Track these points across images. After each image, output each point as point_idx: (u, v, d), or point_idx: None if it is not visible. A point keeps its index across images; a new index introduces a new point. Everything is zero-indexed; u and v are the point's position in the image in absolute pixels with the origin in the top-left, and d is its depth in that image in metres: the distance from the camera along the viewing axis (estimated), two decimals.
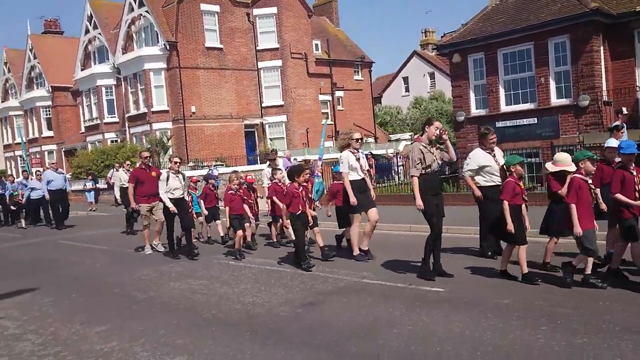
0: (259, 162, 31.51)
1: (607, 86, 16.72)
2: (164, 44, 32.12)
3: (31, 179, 19.62)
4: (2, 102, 49.10)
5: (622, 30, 16.51)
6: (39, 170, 19.22)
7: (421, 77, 49.75)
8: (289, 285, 7.70)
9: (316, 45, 38.50)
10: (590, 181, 6.55)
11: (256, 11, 35.29)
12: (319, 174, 9.99)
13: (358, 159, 8.99)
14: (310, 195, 9.73)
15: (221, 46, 33.80)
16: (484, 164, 8.33)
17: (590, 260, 6.56)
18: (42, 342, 5.90)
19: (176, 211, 10.27)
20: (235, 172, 11.50)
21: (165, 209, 10.39)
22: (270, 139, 35.10)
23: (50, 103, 44.02)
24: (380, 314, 6.02)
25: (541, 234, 7.65)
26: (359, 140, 9.17)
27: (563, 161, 7.07)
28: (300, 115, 36.31)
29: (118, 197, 14.99)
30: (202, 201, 12.34)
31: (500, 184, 8.17)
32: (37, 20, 60.44)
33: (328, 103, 38.72)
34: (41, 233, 17.10)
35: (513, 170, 7.10)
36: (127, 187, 14.03)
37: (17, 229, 18.72)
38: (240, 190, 10.64)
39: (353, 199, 8.76)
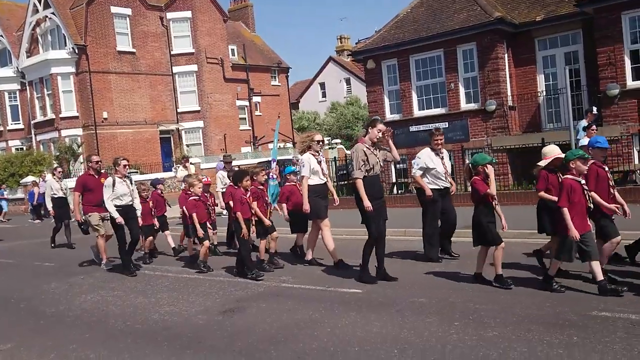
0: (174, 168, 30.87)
1: (511, 91, 17.60)
2: (72, 48, 30.91)
3: None
4: None
5: (525, 38, 17.45)
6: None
7: (337, 83, 50.53)
8: (207, 292, 7.57)
9: (232, 50, 38.28)
10: (583, 182, 6.16)
11: (170, 15, 34.65)
12: (274, 176, 9.55)
13: (319, 162, 8.57)
14: (266, 199, 9.27)
15: (134, 50, 32.93)
16: (430, 166, 8.34)
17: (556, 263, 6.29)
18: None
19: (122, 222, 9.23)
20: (195, 175, 10.68)
21: (113, 219, 9.31)
22: (187, 145, 34.51)
23: None
24: (300, 317, 6.04)
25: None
26: (320, 143, 8.72)
27: (552, 151, 6.81)
28: (218, 120, 35.94)
29: (50, 207, 13.53)
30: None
31: (444, 187, 8.36)
32: None
33: (246, 108, 38.55)
34: None
35: (481, 170, 6.74)
36: (59, 197, 13.34)
37: None
38: (201, 196, 9.85)
39: (306, 206, 8.35)
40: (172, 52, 34.64)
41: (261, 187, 9.13)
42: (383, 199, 7.50)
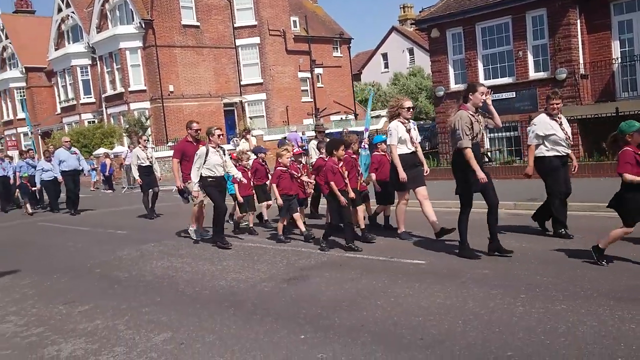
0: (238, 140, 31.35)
1: (583, 59, 16.84)
2: (140, 22, 31.65)
3: (37, 158, 18.20)
4: None
5: (599, 3, 16.59)
6: (47, 150, 17.51)
7: (400, 53, 49.72)
8: (272, 261, 7.72)
9: (294, 21, 38.20)
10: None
11: None
12: (366, 146, 9.40)
13: (409, 130, 8.04)
14: (359, 168, 8.97)
15: (198, 24, 33.39)
16: (548, 132, 7.62)
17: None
18: (25, 322, 5.87)
19: (197, 196, 9.07)
20: (283, 143, 10.21)
21: (207, 188, 8.98)
22: (250, 117, 34.93)
23: (24, 84, 43.25)
24: (363, 286, 6.08)
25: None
26: (410, 110, 8.15)
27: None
28: (280, 92, 36.14)
29: (137, 177, 13.51)
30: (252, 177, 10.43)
31: (565, 154, 7.65)
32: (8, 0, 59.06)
33: (307, 80, 38.55)
34: (18, 216, 16.89)
35: (629, 139, 6.01)
36: (146, 166, 13.32)
37: (23, 214, 16.79)
38: (290, 167, 9.30)
39: (402, 175, 7.90)
40: (235, 25, 34.94)
41: (354, 156, 8.92)
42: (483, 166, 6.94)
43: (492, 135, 18.32)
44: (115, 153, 27.61)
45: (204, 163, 8.88)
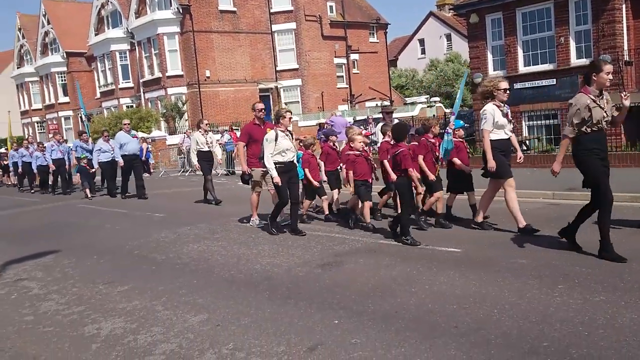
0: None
1: (628, 45, 16.34)
2: (177, 8, 31.90)
3: (91, 142, 17.64)
4: (18, 68, 49.28)
5: None
6: (106, 131, 16.94)
7: (437, 39, 49.02)
8: (307, 246, 7.77)
9: (330, 7, 37.97)
10: None
11: None
12: (450, 131, 8.93)
13: (505, 114, 7.45)
14: (437, 153, 8.61)
15: (234, 9, 33.49)
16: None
17: None
18: (66, 301, 6.04)
19: (279, 183, 8.34)
20: (351, 127, 9.72)
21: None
22: (285, 103, 34.99)
23: (65, 69, 44.10)
24: (397, 273, 6.07)
25: None
26: (507, 91, 7.53)
27: None
28: (315, 78, 36.08)
29: (195, 162, 13.04)
30: (322, 163, 9.90)
31: None
32: None
33: (343, 66, 38.35)
34: (62, 197, 17.33)
35: None
36: (205, 151, 12.82)
37: (83, 199, 15.97)
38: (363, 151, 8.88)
39: (491, 163, 7.26)
40: (271, 10, 34.93)
41: (432, 140, 8.58)
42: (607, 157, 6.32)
43: (530, 123, 17.99)
44: (153, 137, 28.00)
45: (273, 147, 8.33)
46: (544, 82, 17.40)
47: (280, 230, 8.73)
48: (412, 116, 28.74)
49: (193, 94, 32.48)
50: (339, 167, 9.84)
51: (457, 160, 8.54)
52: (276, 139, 8.31)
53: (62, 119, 44.50)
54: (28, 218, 13.35)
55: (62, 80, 44.65)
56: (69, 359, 4.50)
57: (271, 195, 9.43)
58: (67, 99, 44.40)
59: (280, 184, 8.33)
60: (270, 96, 35.45)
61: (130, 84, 37.13)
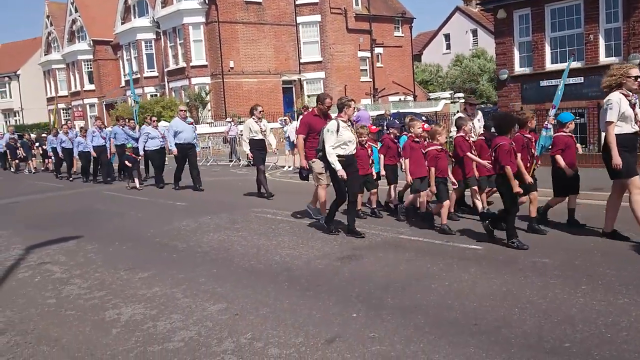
0: (296, 118, 31.54)
1: None
2: None
3: (135, 129, 16.65)
4: (45, 55, 49.95)
5: None
6: (154, 116, 16.30)
7: (463, 34, 48.56)
8: (326, 239, 7.75)
9: (356, 0, 37.79)
10: None
11: None
12: (550, 126, 8.25)
13: (633, 105, 6.55)
14: (532, 150, 7.88)
15: (260, 0, 33.48)
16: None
17: None
18: (88, 286, 6.11)
19: (345, 177, 7.58)
20: (412, 118, 8.98)
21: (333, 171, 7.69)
22: (308, 96, 34.99)
23: (91, 57, 44.63)
24: (417, 269, 6.03)
25: None
26: (638, 79, 6.63)
27: None
28: (339, 71, 36.00)
29: (248, 151, 12.05)
30: (382, 156, 9.36)
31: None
32: None
33: (367, 60, 38.22)
34: (83, 184, 17.53)
35: None
36: (259, 139, 11.89)
37: (128, 189, 14.85)
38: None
39: (617, 160, 6.44)
40: (296, 2, 34.89)
41: (528, 135, 7.82)
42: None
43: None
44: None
45: (335, 139, 7.65)
46: (571, 80, 17.11)
47: (337, 230, 7.99)
48: (436, 112, 28.54)
49: (216, 85, 32.62)
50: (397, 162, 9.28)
51: (560, 160, 7.56)
52: (338, 130, 7.64)
53: (87, 106, 45.05)
54: (53, 204, 13.53)
55: (88, 68, 45.16)
56: (90, 342, 4.55)
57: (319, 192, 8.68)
58: (92, 87, 44.92)
59: (345, 177, 7.57)
60: (293, 88, 35.46)
61: (155, 73, 37.41)
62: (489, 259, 6.30)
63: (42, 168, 25.04)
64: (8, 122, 56.64)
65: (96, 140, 16.89)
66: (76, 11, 44.48)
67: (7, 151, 25.95)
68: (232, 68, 32.52)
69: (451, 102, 34.45)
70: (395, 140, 9.37)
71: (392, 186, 9.49)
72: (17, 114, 57.43)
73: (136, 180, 14.94)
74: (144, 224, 9.77)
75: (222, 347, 4.28)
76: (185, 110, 14.60)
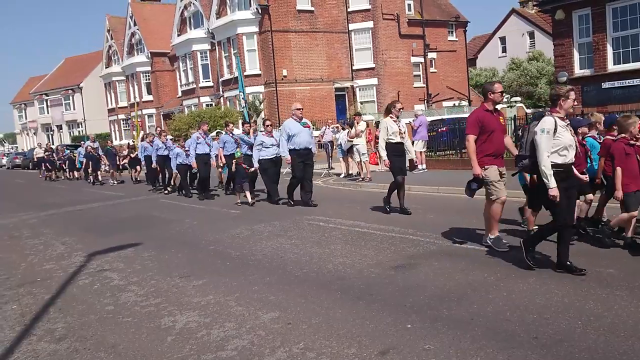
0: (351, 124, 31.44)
1: None
2: (256, 8, 32.45)
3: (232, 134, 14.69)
4: (106, 67, 51.78)
5: None
6: (268, 119, 13.78)
7: (519, 37, 47.44)
8: (379, 247, 7.65)
9: (408, 5, 37.52)
10: None
11: None
12: None
13: None
14: (638, 157, 6.79)
15: (312, 8, 33.70)
16: None
17: None
18: (144, 293, 6.22)
19: (557, 196, 5.68)
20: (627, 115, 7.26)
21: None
22: (361, 102, 34.90)
23: (149, 68, 45.88)
24: (474, 278, 5.86)
25: None
26: None
27: None
28: (391, 78, 35.77)
29: (384, 156, 10.17)
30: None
31: None
32: None
33: (420, 65, 37.81)
34: (143, 191, 17.98)
35: None
36: (396, 143, 9.99)
37: (238, 205, 12.78)
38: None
39: None
40: (348, 9, 34.91)
41: (633, 142, 6.82)
42: None
43: None
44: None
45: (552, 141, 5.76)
46: (636, 82, 16.45)
47: (538, 264, 6.13)
48: None
49: (270, 93, 32.95)
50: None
51: None
52: (555, 129, 5.74)
53: (146, 116, 46.29)
54: (113, 211, 13.93)
55: (146, 80, 46.47)
56: (146, 349, 4.61)
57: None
58: (150, 97, 46.17)
59: (557, 197, 5.68)
60: (346, 95, 35.44)
61: (210, 83, 38.11)
62: (549, 268, 6.05)
63: (133, 179, 22.68)
64: (72, 133, 59.04)
65: (201, 147, 14.70)
66: (135, 24, 45.89)
67: (90, 162, 23.54)
68: (285, 76, 32.80)
69: (508, 107, 33.64)
70: (583, 143, 7.41)
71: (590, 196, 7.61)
72: (80, 125, 59.68)
73: (248, 195, 12.86)
74: (198, 232, 9.92)
75: (275, 356, 4.26)
76: (301, 109, 12.23)
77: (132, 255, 8.30)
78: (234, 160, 13.47)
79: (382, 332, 4.57)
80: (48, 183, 27.65)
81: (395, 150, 10.05)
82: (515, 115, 20.67)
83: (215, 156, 15.22)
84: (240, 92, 25.41)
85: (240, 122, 13.80)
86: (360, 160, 16.18)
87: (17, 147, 74.36)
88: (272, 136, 12.64)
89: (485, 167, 6.89)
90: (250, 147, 13.22)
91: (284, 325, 4.87)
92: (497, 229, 7.09)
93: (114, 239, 9.53)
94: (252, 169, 12.88)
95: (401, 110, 10.21)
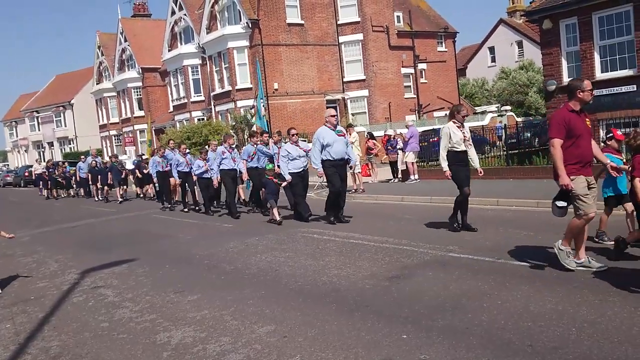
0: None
1: None
2: (247, 22, 32.59)
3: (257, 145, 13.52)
4: (97, 84, 51.78)
5: None
6: (293, 128, 12.50)
7: (508, 47, 47.91)
8: (374, 258, 7.67)
9: (398, 17, 37.83)
10: None
11: None
12: None
13: None
14: None
15: (302, 22, 33.90)
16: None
17: None
18: (139, 309, 6.21)
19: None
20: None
21: None
22: (352, 114, 35.03)
23: (140, 84, 45.92)
24: (468, 288, 5.89)
25: None
26: None
27: None
28: (382, 89, 35.97)
29: (445, 167, 8.93)
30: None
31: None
32: (127, 4, 63.26)
33: (411, 76, 38.04)
34: (135, 207, 17.93)
35: None
36: (458, 151, 8.89)
37: (270, 222, 11.77)
38: None
39: None
40: (338, 22, 35.14)
41: None
42: None
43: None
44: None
45: None
46: (624, 89, 16.62)
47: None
48: (482, 125, 28.11)
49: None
50: None
51: None
52: None
53: (137, 132, 46.26)
54: (105, 228, 13.89)
55: (137, 95, 46.49)
56: None
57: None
58: (141, 113, 46.16)
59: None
60: (337, 107, 35.56)
61: (202, 97, 38.17)
62: (542, 276, 6.10)
63: (141, 195, 21.87)
64: (63, 150, 58.87)
65: (226, 162, 13.54)
66: (126, 40, 45.96)
67: (98, 176, 22.82)
68: (276, 89, 32.90)
69: (498, 115, 33.88)
70: None
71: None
72: (71, 142, 59.58)
73: (275, 212, 11.66)
74: (192, 246, 9.90)
75: None
76: (335, 116, 11.26)
77: (126, 271, 8.28)
78: (266, 173, 12.28)
79: (378, 343, 4.58)
80: (42, 200, 27.30)
81: (460, 160, 8.96)
82: (505, 124, 20.82)
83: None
84: (260, 99, 24.84)
85: (223, 137, 13.06)
86: (353, 172, 16.20)
87: (7, 164, 73.98)
88: (298, 146, 11.66)
89: (572, 177, 6.01)
90: (270, 158, 12.33)
91: (280, 339, 4.88)
92: (569, 243, 6.31)
93: (108, 256, 9.51)
94: (285, 183, 11.80)
95: (465, 117, 9.16)
